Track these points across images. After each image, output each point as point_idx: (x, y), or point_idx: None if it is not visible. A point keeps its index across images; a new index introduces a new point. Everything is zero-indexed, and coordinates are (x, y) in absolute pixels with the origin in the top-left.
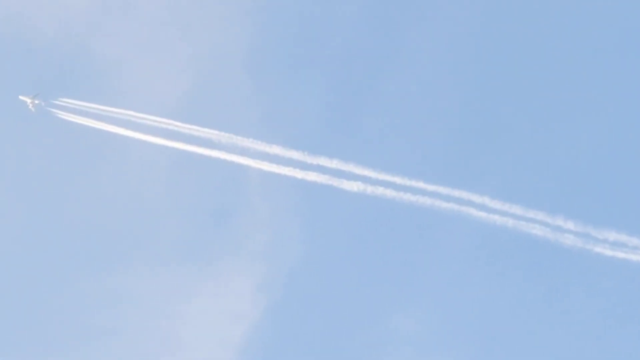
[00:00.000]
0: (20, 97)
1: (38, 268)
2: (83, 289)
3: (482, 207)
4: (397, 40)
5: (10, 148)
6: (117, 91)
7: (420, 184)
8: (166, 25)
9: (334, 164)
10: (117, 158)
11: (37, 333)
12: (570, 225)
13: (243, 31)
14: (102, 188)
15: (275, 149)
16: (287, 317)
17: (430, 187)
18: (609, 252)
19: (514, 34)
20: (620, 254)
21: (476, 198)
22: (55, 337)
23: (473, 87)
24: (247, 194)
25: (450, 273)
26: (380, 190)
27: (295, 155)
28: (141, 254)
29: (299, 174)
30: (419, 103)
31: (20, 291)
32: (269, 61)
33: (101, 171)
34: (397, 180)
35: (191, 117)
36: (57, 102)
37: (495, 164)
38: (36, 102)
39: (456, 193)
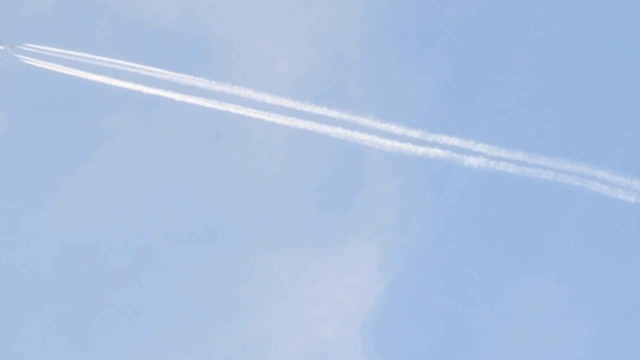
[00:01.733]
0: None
1: (157, 247)
2: (206, 270)
3: (605, 181)
4: (517, 13)
5: (138, 134)
6: (235, 70)
7: (542, 159)
8: (284, 3)
9: (453, 140)
10: (237, 138)
11: (161, 307)
12: None
13: (361, 8)
14: (223, 168)
15: (394, 127)
16: (409, 294)
17: (552, 163)
18: None
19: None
20: None
21: (599, 173)
22: (184, 318)
23: (598, 60)
24: (367, 172)
25: (572, 248)
26: (501, 166)
27: (414, 133)
28: (263, 235)
29: (419, 151)
30: (538, 78)
31: (143, 272)
32: (387, 38)
33: (222, 151)
34: (519, 156)
35: (309, 95)
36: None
37: (617, 137)
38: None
39: (577, 168)
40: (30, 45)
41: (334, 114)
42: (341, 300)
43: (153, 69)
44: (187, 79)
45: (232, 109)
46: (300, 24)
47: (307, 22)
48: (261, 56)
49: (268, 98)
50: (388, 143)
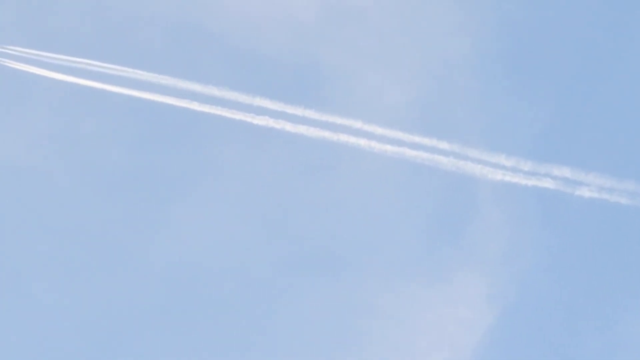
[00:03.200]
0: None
1: (265, 277)
2: (316, 298)
3: None
4: (630, 43)
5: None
6: (345, 100)
7: None
8: (394, 34)
9: (564, 171)
10: (347, 169)
11: (270, 337)
12: None
13: (471, 38)
14: (332, 198)
15: (504, 158)
16: (518, 325)
17: None
18: None
19: None
20: None
21: None
22: (293, 348)
23: None
24: (477, 203)
25: None
26: (613, 196)
27: (525, 164)
28: (372, 265)
29: (529, 181)
30: None
31: (251, 303)
32: (497, 68)
33: (331, 182)
34: (630, 186)
35: (419, 126)
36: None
37: None
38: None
39: None
40: (139, 71)
41: (444, 144)
42: (450, 331)
43: (263, 99)
44: (297, 110)
45: (341, 139)
46: (411, 54)
47: (417, 53)
48: (371, 87)
49: (378, 129)
50: (498, 174)
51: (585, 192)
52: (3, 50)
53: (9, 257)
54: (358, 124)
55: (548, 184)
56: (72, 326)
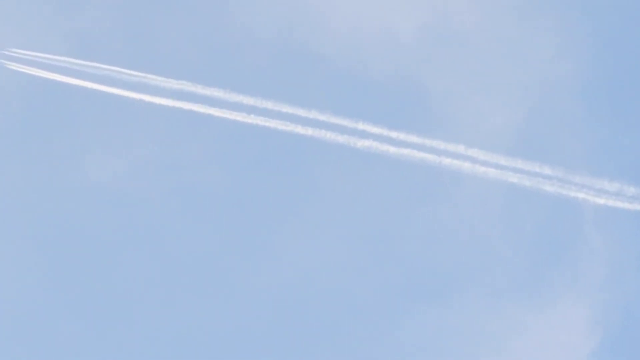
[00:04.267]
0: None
1: (368, 302)
2: (420, 322)
3: None
4: None
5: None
6: (448, 124)
7: None
8: (496, 56)
9: None
10: (449, 193)
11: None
12: None
13: (574, 61)
14: (435, 223)
15: (608, 183)
16: (622, 351)
17: None
18: None
19: None
20: None
21: None
22: None
23: None
24: (581, 228)
25: None
26: None
27: (629, 189)
28: (474, 289)
29: (633, 206)
30: None
31: (355, 328)
32: (601, 91)
33: (434, 206)
34: None
35: (522, 150)
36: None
37: None
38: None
39: None
40: (242, 96)
41: (546, 169)
42: (553, 355)
43: (365, 123)
44: (400, 133)
45: (444, 163)
46: (513, 77)
47: (519, 75)
48: (473, 110)
49: (481, 152)
50: (601, 198)
51: None
52: (108, 73)
53: (112, 281)
54: (461, 148)
55: None
56: (177, 351)
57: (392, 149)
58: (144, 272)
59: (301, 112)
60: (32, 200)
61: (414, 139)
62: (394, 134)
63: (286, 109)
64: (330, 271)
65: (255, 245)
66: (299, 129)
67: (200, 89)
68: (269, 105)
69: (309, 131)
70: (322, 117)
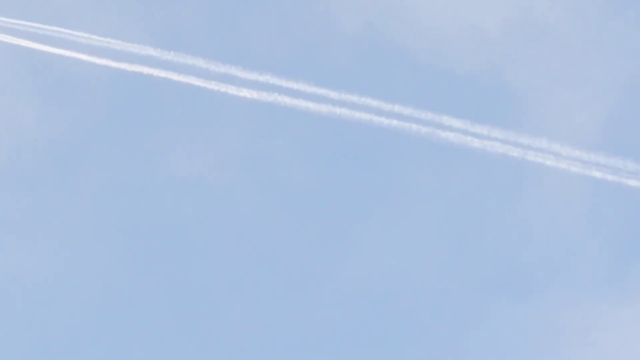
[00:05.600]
0: None
1: (452, 298)
2: (504, 319)
3: None
4: None
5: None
6: (533, 119)
7: None
8: (581, 51)
9: None
10: (534, 188)
11: (459, 358)
12: None
13: None
14: (520, 218)
15: None
16: None
17: None
18: None
19: None
20: None
21: None
22: None
23: None
24: None
25: None
26: None
27: None
28: (559, 285)
29: None
30: None
31: (440, 323)
32: None
33: (519, 201)
34: None
35: (606, 145)
36: None
37: None
38: None
39: None
40: (327, 90)
41: (631, 164)
42: (635, 350)
43: (449, 117)
44: (484, 128)
45: (528, 158)
46: (598, 72)
47: (604, 70)
48: (558, 105)
49: (564, 148)
50: None
51: None
52: (192, 64)
53: (197, 277)
54: (544, 143)
55: None
56: (261, 348)
57: (475, 143)
58: (229, 268)
59: (385, 106)
60: (118, 195)
61: (497, 132)
62: (477, 128)
63: (371, 102)
64: (413, 266)
65: (340, 240)
66: (384, 122)
67: (285, 82)
68: (354, 98)
69: (394, 124)
70: (406, 111)
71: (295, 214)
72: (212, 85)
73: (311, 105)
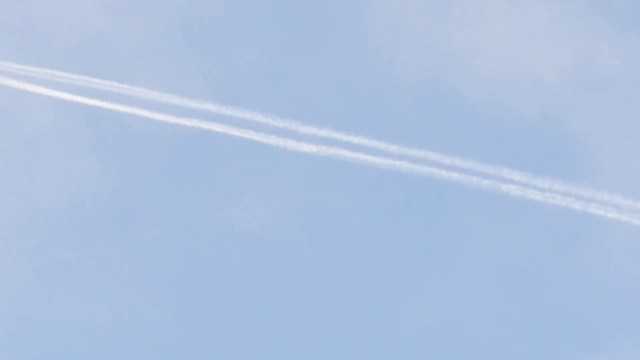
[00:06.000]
0: None
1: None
2: None
3: None
4: None
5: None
6: (593, 172)
7: None
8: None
9: None
10: (595, 240)
11: None
12: None
13: None
14: (580, 270)
15: None
16: None
17: None
18: None
19: None
20: None
21: None
22: None
23: None
24: None
25: None
26: None
27: None
28: (625, 335)
29: None
30: None
31: None
32: None
33: (580, 253)
34: None
35: None
36: None
37: None
38: None
39: None
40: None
41: None
42: None
43: (510, 169)
44: (545, 180)
45: (591, 210)
46: None
47: None
48: (619, 156)
49: (626, 200)
50: None
51: None
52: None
53: (256, 330)
54: (605, 195)
55: None
56: None
57: (537, 195)
58: (289, 322)
59: (446, 159)
60: (176, 249)
61: (558, 185)
62: (538, 180)
63: (430, 155)
64: (474, 320)
65: (400, 293)
66: (444, 175)
67: (344, 136)
68: (414, 151)
69: (454, 177)
70: (466, 163)
71: (355, 268)
72: (272, 140)
73: (370, 159)
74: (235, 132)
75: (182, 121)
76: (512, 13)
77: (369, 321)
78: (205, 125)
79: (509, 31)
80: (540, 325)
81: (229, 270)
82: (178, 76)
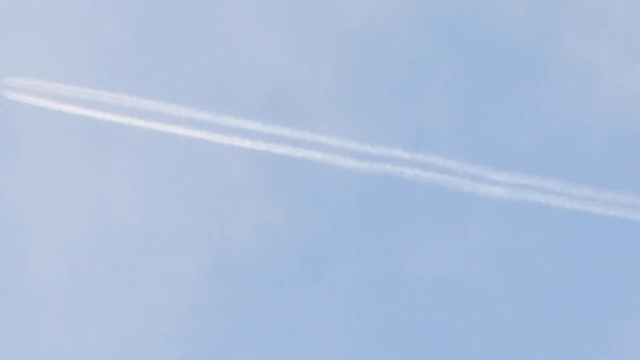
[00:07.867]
0: None
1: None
2: None
3: None
4: None
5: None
6: None
7: None
8: None
9: None
10: None
11: None
12: None
13: None
14: None
15: None
16: None
17: None
18: None
19: None
20: None
21: None
22: None
23: None
24: None
25: None
26: None
27: None
28: None
29: None
30: None
31: None
32: None
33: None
34: None
35: None
36: None
37: None
38: None
39: None
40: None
41: None
42: None
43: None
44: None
45: None
46: None
47: None
48: None
49: None
50: None
51: None
52: (436, 164)
53: None
54: None
55: None
56: None
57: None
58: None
59: (638, 201)
60: (368, 293)
61: None
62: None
63: (623, 198)
64: None
65: (596, 336)
66: (637, 218)
67: (532, 180)
68: (605, 194)
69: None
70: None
71: (548, 311)
72: (463, 185)
73: (560, 202)
74: (425, 176)
75: (373, 167)
76: None
77: None
78: (394, 169)
79: None
80: None
81: (422, 315)
82: (367, 121)
